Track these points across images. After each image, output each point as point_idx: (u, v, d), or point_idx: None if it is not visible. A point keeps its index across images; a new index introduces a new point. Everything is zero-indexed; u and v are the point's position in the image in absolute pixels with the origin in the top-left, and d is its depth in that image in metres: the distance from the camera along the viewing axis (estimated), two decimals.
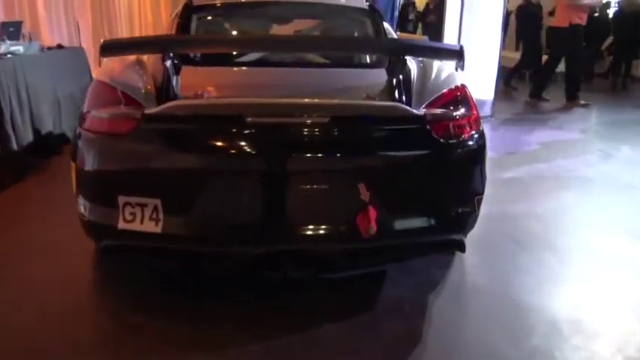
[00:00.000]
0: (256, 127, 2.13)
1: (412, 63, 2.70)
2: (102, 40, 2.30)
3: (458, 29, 6.89)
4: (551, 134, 6.24)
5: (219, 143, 2.14)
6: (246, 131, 2.12)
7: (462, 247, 2.43)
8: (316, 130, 2.15)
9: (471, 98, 2.57)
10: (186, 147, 2.16)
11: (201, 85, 2.46)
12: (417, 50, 2.63)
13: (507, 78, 9.29)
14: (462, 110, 2.45)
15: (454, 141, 2.33)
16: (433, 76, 2.62)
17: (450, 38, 7.15)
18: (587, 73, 9.97)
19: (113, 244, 2.28)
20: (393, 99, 2.46)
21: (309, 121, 2.15)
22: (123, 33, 8.32)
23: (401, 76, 2.56)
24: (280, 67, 2.81)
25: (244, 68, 2.85)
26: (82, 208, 2.30)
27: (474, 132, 2.43)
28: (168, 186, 2.15)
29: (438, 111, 2.37)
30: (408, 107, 2.28)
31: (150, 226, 2.13)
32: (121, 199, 2.15)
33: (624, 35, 9.87)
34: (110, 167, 2.23)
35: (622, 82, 10.19)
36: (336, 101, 2.29)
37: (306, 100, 2.25)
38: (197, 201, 2.14)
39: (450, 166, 2.36)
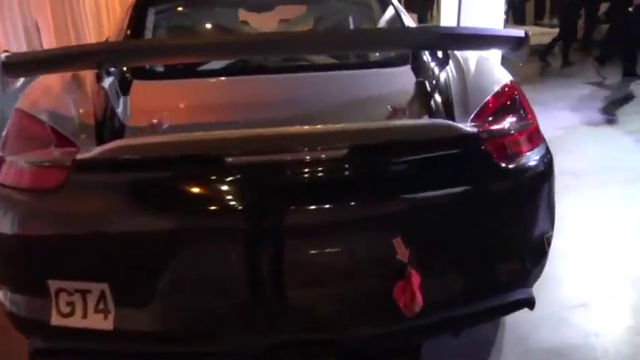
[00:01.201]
0: (241, 170, 1.48)
1: (441, 55, 2.06)
2: (3, 56, 1.57)
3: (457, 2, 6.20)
4: (573, 117, 5.61)
5: (187, 198, 1.49)
6: (227, 177, 1.48)
7: (531, 305, 1.79)
8: (328, 168, 1.52)
9: (525, 99, 1.93)
10: (140, 205, 1.50)
11: (159, 110, 1.78)
12: (463, 41, 1.80)
13: (543, 53, 8.57)
14: (519, 119, 1.82)
15: (517, 163, 1.71)
16: (473, 72, 1.97)
17: (446, 13, 6.48)
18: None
19: (46, 347, 1.60)
20: (429, 110, 1.81)
21: (317, 157, 1.51)
22: (90, 32, 7.54)
23: (433, 77, 1.90)
24: (267, 75, 2.09)
25: (219, 79, 2.11)
26: (0, 295, 1.64)
27: (537, 147, 1.81)
28: (119, 263, 1.49)
29: (494, 126, 1.72)
30: (455, 124, 1.65)
31: (96, 321, 1.48)
32: (53, 284, 1.50)
33: None
34: (35, 238, 1.55)
35: None
36: (354, 125, 1.61)
37: (311, 126, 1.57)
38: (162, 282, 1.48)
39: (515, 198, 1.73)
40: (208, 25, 2.79)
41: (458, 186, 1.61)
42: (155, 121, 1.69)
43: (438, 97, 1.85)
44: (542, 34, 10.00)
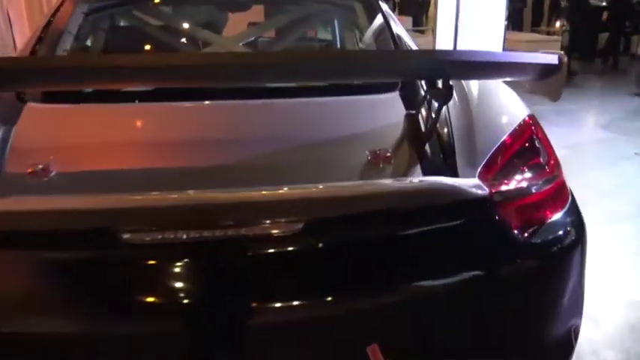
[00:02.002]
0: (148, 256, 1.04)
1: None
2: None
3: (456, 5, 5.77)
4: (572, 133, 5.18)
5: (56, 294, 1.04)
6: (126, 270, 1.03)
7: None
8: (279, 251, 1.09)
9: (547, 141, 1.49)
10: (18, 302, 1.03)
11: (51, 148, 1.31)
12: (477, 69, 1.26)
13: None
14: (541, 171, 1.38)
15: (539, 234, 1.29)
16: (478, 100, 1.53)
17: (443, 16, 6.04)
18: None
19: None
20: (421, 156, 1.36)
21: (263, 235, 1.08)
22: None
23: (428, 108, 1.45)
24: (206, 101, 1.54)
25: (145, 106, 1.56)
26: None
27: (564, 208, 1.37)
28: None
29: (511, 183, 1.28)
30: (459, 184, 1.19)
31: None
32: None
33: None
34: None
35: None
36: (318, 189, 1.13)
37: (257, 191, 1.10)
38: None
39: (536, 282, 1.29)
40: (150, 35, 2.26)
41: (460, 271, 1.17)
42: (40, 166, 1.21)
43: (434, 137, 1.40)
44: (540, 41, 9.62)
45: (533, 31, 11.88)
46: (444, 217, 1.15)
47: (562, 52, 1.23)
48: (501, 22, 5.82)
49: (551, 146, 1.49)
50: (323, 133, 1.44)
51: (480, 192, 1.20)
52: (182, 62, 1.10)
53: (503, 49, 5.92)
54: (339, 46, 2.91)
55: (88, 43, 2.11)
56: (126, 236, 1.00)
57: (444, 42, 6.04)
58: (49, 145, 1.32)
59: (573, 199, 1.45)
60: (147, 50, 2.18)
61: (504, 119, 1.50)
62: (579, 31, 8.56)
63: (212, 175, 1.23)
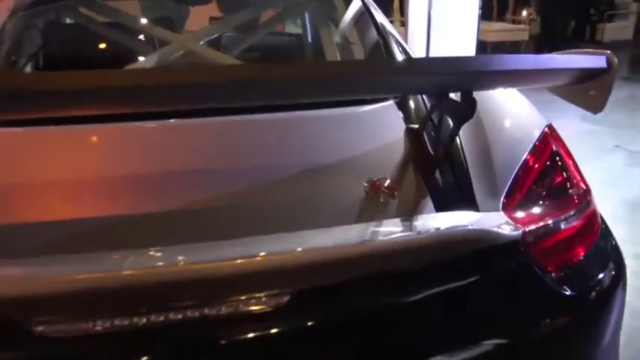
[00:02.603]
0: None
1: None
2: None
3: None
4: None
5: None
6: None
7: None
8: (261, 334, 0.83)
9: (571, 156, 1.26)
10: None
11: None
12: (501, 79, 1.01)
13: None
14: (568, 197, 1.14)
15: (573, 279, 1.04)
16: (490, 108, 1.27)
17: (416, 5, 5.79)
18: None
19: None
20: (430, 184, 1.09)
21: (241, 313, 0.83)
22: None
23: (432, 120, 1.19)
24: (161, 122, 1.16)
25: (91, 128, 1.14)
26: None
27: (598, 242, 1.14)
28: None
29: (540, 216, 1.04)
30: (488, 223, 0.96)
31: None
32: None
33: None
34: None
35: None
36: (311, 249, 0.86)
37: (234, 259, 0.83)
38: None
39: (578, 332, 1.08)
40: (99, 29, 1.92)
41: (492, 338, 0.92)
42: None
43: (443, 158, 1.15)
44: (510, 30, 9.51)
45: (499, 20, 11.81)
46: (475, 272, 0.91)
47: (610, 53, 0.98)
48: (475, 10, 5.62)
49: (576, 164, 1.26)
50: (303, 161, 1.12)
51: (512, 233, 0.95)
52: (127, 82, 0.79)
53: (477, 39, 5.74)
54: (310, 40, 2.63)
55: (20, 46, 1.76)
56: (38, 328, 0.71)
57: (416, 32, 5.81)
58: None
59: (608, 230, 1.22)
60: (94, 55, 1.86)
61: (522, 133, 1.26)
62: (549, 20, 8.47)
63: (158, 225, 0.94)
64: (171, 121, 1.15)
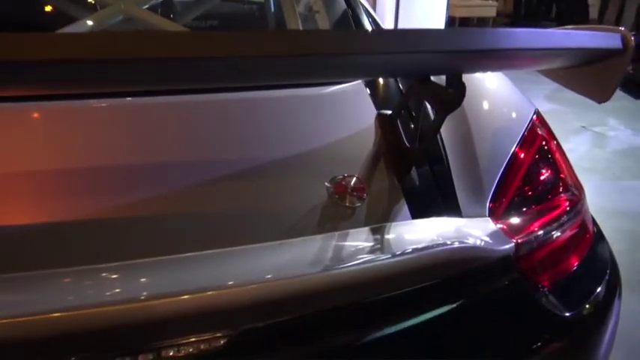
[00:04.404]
0: None
1: None
2: None
3: None
4: None
5: None
6: None
7: None
8: None
9: (559, 149, 1.11)
10: None
11: None
12: (511, 57, 0.80)
13: None
14: (561, 196, 1.00)
15: (572, 290, 0.91)
16: (470, 97, 1.09)
17: None
18: None
19: None
20: (405, 183, 0.92)
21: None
22: None
23: (407, 105, 1.01)
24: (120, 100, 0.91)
25: (46, 106, 0.88)
26: None
27: (591, 251, 1.00)
28: None
29: (531, 224, 0.89)
30: (483, 244, 0.78)
31: None
32: None
33: None
34: None
35: None
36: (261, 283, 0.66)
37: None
38: None
39: (566, 354, 0.94)
40: None
41: None
42: None
43: (420, 151, 0.97)
44: (478, 6, 9.38)
45: None
46: (461, 297, 0.75)
47: (626, 30, 0.81)
48: None
49: (566, 157, 1.11)
50: (249, 154, 0.90)
51: (504, 247, 0.79)
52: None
53: (447, 14, 5.58)
54: (272, 8, 2.40)
55: None
56: None
57: (385, 3, 5.59)
58: None
59: (599, 228, 1.09)
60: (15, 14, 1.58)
61: (507, 120, 1.10)
62: None
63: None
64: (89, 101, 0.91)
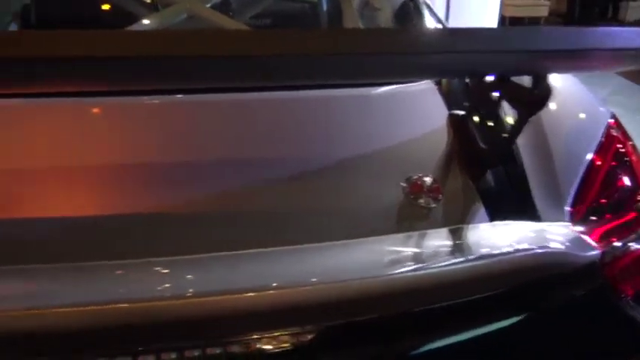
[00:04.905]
0: None
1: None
2: None
3: None
4: None
5: None
6: None
7: None
8: None
9: (636, 153, 1.06)
10: None
11: None
12: (578, 59, 0.76)
13: None
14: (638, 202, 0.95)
15: None
16: (552, 104, 1.05)
17: None
18: None
19: None
20: (480, 183, 0.89)
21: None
22: None
23: (480, 105, 0.98)
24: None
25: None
26: None
27: None
28: None
29: (617, 235, 0.85)
30: (570, 249, 0.74)
31: None
32: None
33: None
34: None
35: None
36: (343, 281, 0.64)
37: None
38: None
39: None
40: None
41: None
42: None
43: (495, 153, 0.94)
44: (529, 5, 9.14)
45: None
46: (544, 306, 0.72)
47: None
48: None
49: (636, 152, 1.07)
50: (322, 153, 0.89)
51: (590, 253, 0.76)
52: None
53: (500, 14, 5.45)
54: (325, 7, 2.39)
55: None
56: None
57: (433, 2, 5.52)
58: None
59: None
60: (85, 14, 1.63)
61: (583, 125, 1.06)
62: None
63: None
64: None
